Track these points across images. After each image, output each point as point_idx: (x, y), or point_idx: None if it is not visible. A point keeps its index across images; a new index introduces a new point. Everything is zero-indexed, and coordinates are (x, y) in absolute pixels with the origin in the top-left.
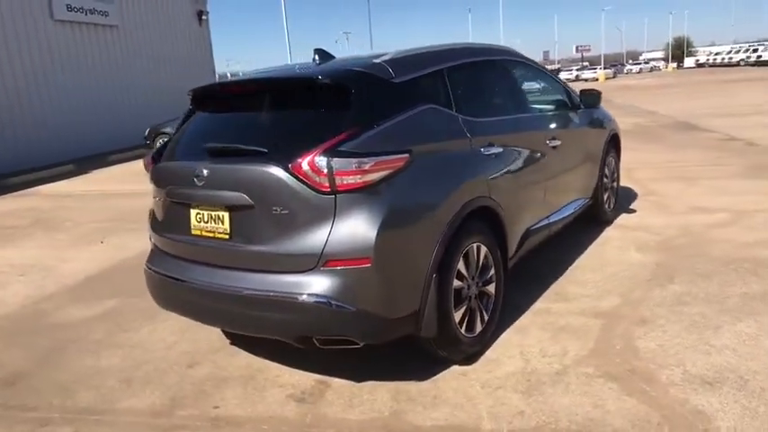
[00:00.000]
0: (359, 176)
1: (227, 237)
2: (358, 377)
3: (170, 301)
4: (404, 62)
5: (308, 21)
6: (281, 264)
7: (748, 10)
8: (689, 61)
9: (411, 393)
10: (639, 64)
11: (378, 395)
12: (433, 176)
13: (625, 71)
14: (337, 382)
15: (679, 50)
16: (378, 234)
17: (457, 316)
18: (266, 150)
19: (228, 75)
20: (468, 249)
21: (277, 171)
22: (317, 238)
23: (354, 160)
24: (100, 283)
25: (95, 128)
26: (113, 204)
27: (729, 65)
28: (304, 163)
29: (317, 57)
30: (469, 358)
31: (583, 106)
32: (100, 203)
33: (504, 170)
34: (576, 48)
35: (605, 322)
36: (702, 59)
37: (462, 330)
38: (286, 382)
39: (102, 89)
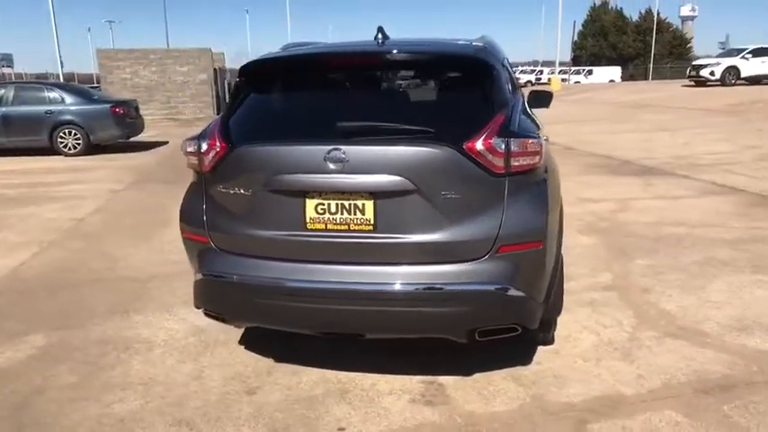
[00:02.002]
0: (529, 158)
1: (369, 228)
2: (462, 371)
3: (266, 311)
4: (494, 49)
5: None
6: (450, 253)
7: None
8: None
9: (528, 377)
10: None
11: (501, 384)
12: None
13: None
14: (444, 379)
15: None
16: (546, 215)
17: None
18: (432, 129)
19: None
20: None
21: (449, 152)
22: (491, 222)
23: (529, 141)
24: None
25: None
26: None
27: None
28: (479, 143)
29: (380, 35)
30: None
31: None
32: None
33: None
34: None
35: (619, 293)
36: None
37: None
38: (391, 388)
39: None
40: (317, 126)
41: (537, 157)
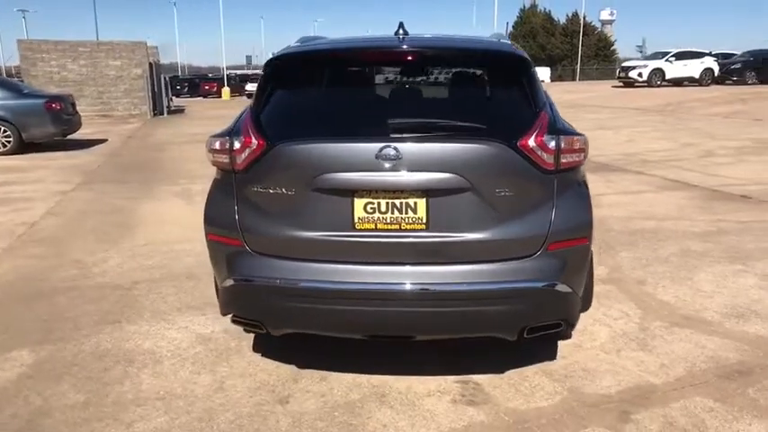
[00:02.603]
0: (576, 155)
1: (422, 227)
2: (493, 369)
3: (311, 316)
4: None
5: None
6: (503, 251)
7: None
8: None
9: (559, 372)
10: None
11: (535, 380)
12: None
13: None
14: (478, 378)
15: None
16: (591, 212)
17: None
18: (484, 126)
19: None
20: None
21: (502, 149)
22: (542, 219)
23: (576, 138)
24: None
25: None
26: None
27: None
28: (531, 140)
29: (401, 30)
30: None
31: None
32: None
33: None
34: (272, 54)
35: (617, 286)
36: None
37: None
38: (428, 389)
39: None
40: (365, 123)
41: (582, 155)
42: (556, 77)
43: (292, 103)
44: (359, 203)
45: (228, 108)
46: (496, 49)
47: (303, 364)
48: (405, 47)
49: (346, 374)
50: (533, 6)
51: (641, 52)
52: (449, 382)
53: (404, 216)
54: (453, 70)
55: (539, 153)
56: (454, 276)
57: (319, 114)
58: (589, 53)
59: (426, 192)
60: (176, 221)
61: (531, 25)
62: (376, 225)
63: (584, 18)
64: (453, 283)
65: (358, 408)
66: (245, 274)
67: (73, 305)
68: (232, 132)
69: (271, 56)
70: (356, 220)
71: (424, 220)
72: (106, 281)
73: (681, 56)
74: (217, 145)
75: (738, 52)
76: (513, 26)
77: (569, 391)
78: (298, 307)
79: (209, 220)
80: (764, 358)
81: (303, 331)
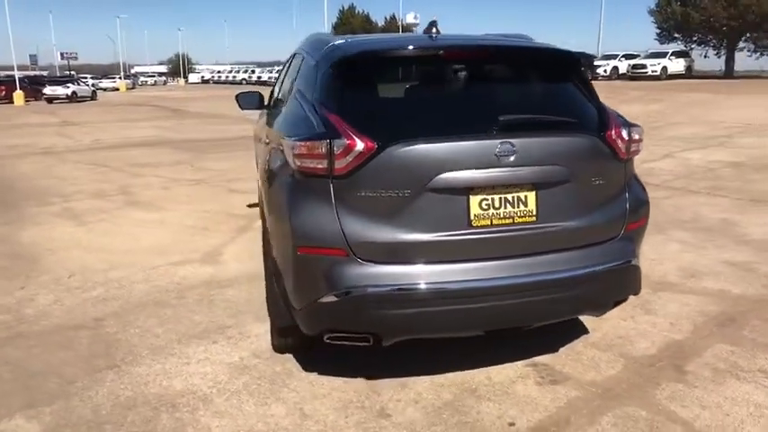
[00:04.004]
0: (639, 144)
1: (533, 219)
2: (546, 349)
3: (431, 319)
4: None
5: None
6: (597, 235)
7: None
8: (193, 77)
9: (602, 343)
10: (154, 76)
11: (589, 352)
12: None
13: (140, 82)
14: (540, 358)
15: (181, 66)
16: (647, 195)
17: None
18: (576, 120)
19: None
20: None
21: (593, 140)
22: (621, 204)
23: (639, 129)
24: None
25: None
26: None
27: (233, 82)
28: (614, 131)
29: (434, 29)
30: None
31: None
32: None
33: None
34: (62, 54)
35: None
36: (207, 76)
37: None
38: (507, 376)
39: None
40: (476, 120)
41: (641, 144)
42: None
43: (387, 102)
44: (474, 201)
45: (31, 115)
46: (564, 50)
47: (368, 375)
48: (488, 47)
49: (420, 377)
50: (352, 8)
51: None
52: (519, 367)
53: (516, 210)
54: (534, 70)
55: (618, 143)
56: (561, 263)
57: (423, 113)
58: None
59: (535, 185)
60: (86, 247)
61: (350, 26)
62: (491, 221)
63: (401, 20)
64: (562, 270)
65: (460, 406)
66: (354, 284)
67: (36, 356)
68: (327, 135)
69: (329, 52)
70: (472, 218)
71: (534, 213)
72: (57, 322)
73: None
74: (307, 149)
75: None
76: (333, 27)
77: (622, 357)
78: (418, 312)
79: (302, 232)
80: (735, 306)
81: (419, 336)
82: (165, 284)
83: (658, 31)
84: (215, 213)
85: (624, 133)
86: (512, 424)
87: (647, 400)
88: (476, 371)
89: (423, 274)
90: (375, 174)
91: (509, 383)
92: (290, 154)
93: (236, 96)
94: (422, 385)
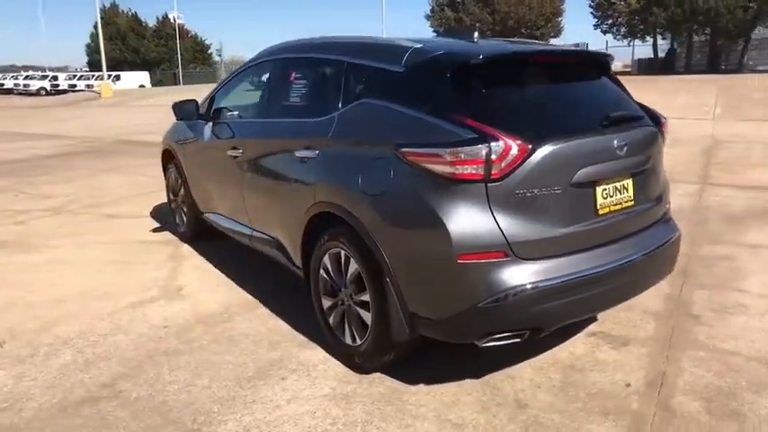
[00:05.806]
0: (667, 133)
1: (631, 203)
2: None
3: (580, 305)
4: None
5: None
6: (661, 213)
7: None
8: None
9: (636, 307)
10: None
11: (629, 317)
12: None
13: None
14: (591, 329)
15: None
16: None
17: None
18: (643, 115)
19: None
20: None
21: (656, 131)
22: (665, 186)
23: (667, 120)
24: None
25: None
26: None
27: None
28: (663, 122)
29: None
30: None
31: None
32: None
33: None
34: None
35: None
36: None
37: None
38: (577, 352)
39: None
40: (595, 117)
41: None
42: (156, 82)
43: (515, 105)
44: (599, 191)
45: None
46: (605, 53)
47: (460, 377)
48: (576, 53)
49: (516, 366)
50: (114, 6)
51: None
52: (585, 338)
53: (622, 197)
54: (600, 71)
55: (663, 133)
56: (652, 239)
57: (549, 114)
58: (188, 57)
59: (632, 173)
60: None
61: (117, 27)
62: (609, 209)
63: (176, 21)
64: (654, 244)
65: (575, 381)
66: (517, 284)
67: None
68: (482, 139)
69: (438, 57)
70: (598, 207)
71: (632, 197)
72: (53, 402)
73: None
74: (466, 155)
75: None
76: (94, 27)
77: (646, 313)
78: (573, 300)
79: (461, 240)
80: None
81: (567, 322)
82: (149, 330)
83: (435, 34)
84: (121, 245)
85: (666, 124)
86: (628, 385)
87: (697, 343)
88: (554, 350)
89: (571, 264)
90: (528, 174)
91: (591, 354)
92: (435, 161)
93: (173, 106)
94: (526, 372)
